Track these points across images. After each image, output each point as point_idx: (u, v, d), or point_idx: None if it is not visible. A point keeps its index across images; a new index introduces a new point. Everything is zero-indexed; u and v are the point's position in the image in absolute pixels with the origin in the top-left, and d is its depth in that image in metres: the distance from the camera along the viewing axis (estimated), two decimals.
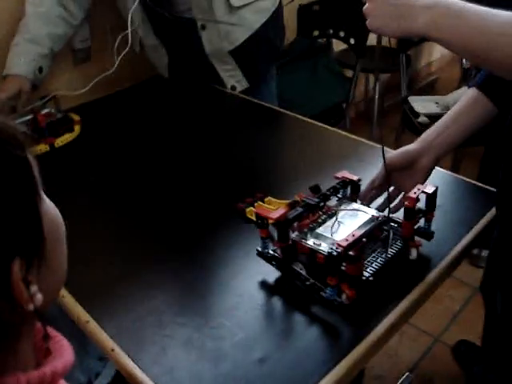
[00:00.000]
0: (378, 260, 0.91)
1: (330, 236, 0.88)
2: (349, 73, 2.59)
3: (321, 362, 0.77)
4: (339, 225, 0.90)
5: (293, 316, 0.87)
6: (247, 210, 1.09)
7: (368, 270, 0.88)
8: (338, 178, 1.01)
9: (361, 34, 2.24)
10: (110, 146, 1.44)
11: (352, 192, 1.02)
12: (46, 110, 1.48)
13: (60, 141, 1.43)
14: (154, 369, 0.78)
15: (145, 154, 1.39)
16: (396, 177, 1.00)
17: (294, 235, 0.90)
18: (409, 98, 2.34)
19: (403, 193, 1.02)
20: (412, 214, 0.91)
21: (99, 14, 1.74)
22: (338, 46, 2.65)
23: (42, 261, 0.46)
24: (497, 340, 1.24)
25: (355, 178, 1.01)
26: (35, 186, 0.46)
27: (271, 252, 0.93)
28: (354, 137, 1.41)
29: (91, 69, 1.77)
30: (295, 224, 0.91)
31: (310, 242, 0.88)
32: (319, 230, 0.90)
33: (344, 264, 0.83)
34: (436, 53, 3.81)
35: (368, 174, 1.04)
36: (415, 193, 0.91)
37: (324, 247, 0.85)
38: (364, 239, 0.84)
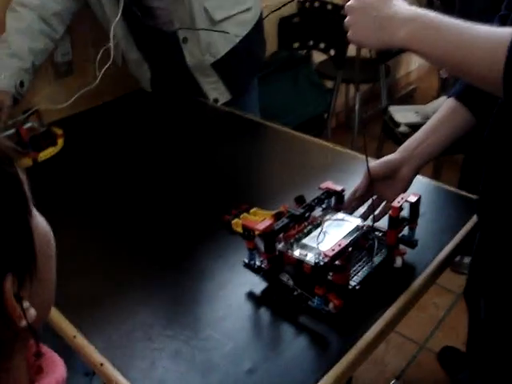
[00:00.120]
0: (364, 269, 0.92)
1: (315, 246, 0.88)
2: (329, 83, 2.62)
3: (310, 372, 0.78)
4: (325, 235, 0.91)
5: (281, 326, 0.87)
6: (233, 221, 1.10)
7: (354, 278, 0.89)
8: (322, 188, 1.03)
9: (341, 45, 2.27)
10: (93, 160, 1.44)
11: (336, 202, 1.03)
12: (28, 124, 1.47)
13: (43, 155, 1.43)
14: (144, 382, 0.78)
15: (129, 168, 1.39)
16: (378, 186, 1.02)
17: (280, 246, 0.91)
18: (389, 108, 2.37)
19: (385, 201, 1.04)
20: (396, 222, 0.92)
21: (80, 28, 1.74)
22: (319, 57, 2.68)
23: (33, 276, 0.46)
24: (481, 345, 1.26)
25: (339, 188, 1.02)
26: (26, 202, 0.46)
27: (258, 263, 0.94)
28: (336, 147, 1.42)
29: (73, 82, 1.77)
30: (281, 235, 0.92)
31: (297, 252, 0.89)
32: (305, 241, 0.91)
33: (330, 273, 0.84)
34: (414, 63, 3.87)
35: (351, 183, 1.06)
36: (399, 202, 0.92)
37: (310, 257, 0.86)
38: (350, 249, 0.85)
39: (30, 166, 1.39)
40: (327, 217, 0.97)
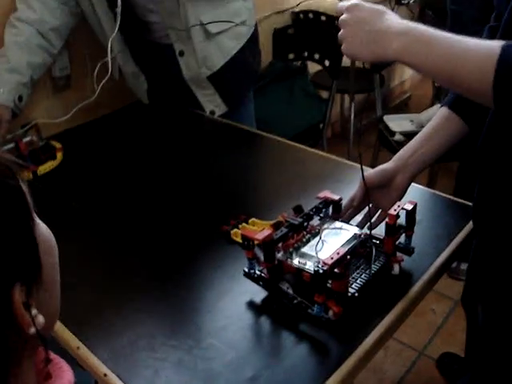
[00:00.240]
0: (362, 276, 0.93)
1: (314, 255, 0.90)
2: (324, 94, 2.64)
3: (310, 379, 0.79)
4: (323, 243, 0.93)
5: (281, 334, 0.88)
6: (232, 231, 1.11)
7: (353, 286, 0.91)
8: (319, 198, 1.04)
9: (335, 55, 2.29)
10: (92, 173, 1.45)
11: (334, 211, 1.04)
12: (27, 138, 1.49)
13: (43, 168, 1.44)
14: None
15: (127, 180, 1.41)
16: (373, 194, 1.03)
17: (279, 255, 0.92)
18: (384, 117, 2.39)
19: (380, 210, 1.06)
20: (393, 230, 0.94)
21: (78, 42, 1.76)
22: (314, 67, 2.71)
23: (39, 284, 0.48)
24: (479, 351, 1.27)
25: (336, 197, 1.03)
26: (29, 212, 0.48)
27: (258, 272, 0.95)
28: (332, 157, 1.44)
29: (71, 96, 1.79)
30: (280, 244, 0.93)
31: (296, 261, 0.90)
32: (304, 249, 0.93)
33: (330, 281, 0.85)
34: (408, 72, 3.90)
35: (347, 192, 1.07)
36: (395, 210, 0.94)
37: (309, 266, 0.88)
38: (348, 256, 0.86)
39: (29, 179, 1.40)
40: (325, 226, 0.98)
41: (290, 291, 0.90)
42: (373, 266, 0.95)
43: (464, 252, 1.11)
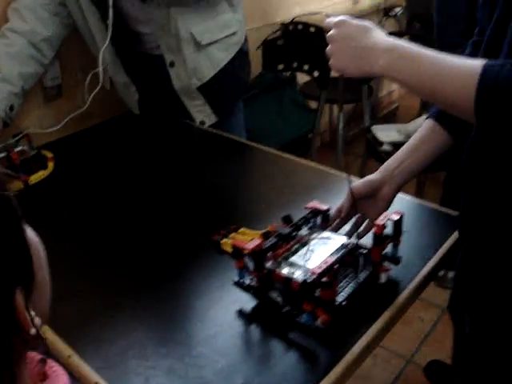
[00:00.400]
0: (350, 285, 0.95)
1: (303, 264, 0.92)
2: (313, 104, 2.67)
3: None
4: (311, 253, 0.94)
5: (271, 342, 0.90)
6: (222, 241, 1.12)
7: (341, 294, 0.92)
8: (308, 208, 1.06)
9: (324, 66, 2.32)
10: (84, 183, 1.46)
11: (322, 221, 1.06)
12: (19, 148, 1.49)
13: (34, 178, 1.45)
14: None
15: (118, 189, 1.42)
16: (361, 205, 1.05)
17: (269, 264, 0.94)
18: (372, 127, 2.42)
19: (367, 219, 1.08)
20: (380, 240, 0.96)
21: (69, 52, 1.77)
22: (303, 78, 2.73)
23: (33, 286, 0.49)
24: (466, 359, 1.29)
25: (325, 207, 1.05)
26: (20, 218, 0.49)
27: (248, 281, 0.96)
28: (321, 167, 1.46)
29: (62, 105, 1.80)
30: (270, 254, 0.95)
31: (285, 270, 0.92)
32: (293, 259, 0.94)
33: (318, 290, 0.87)
34: None
35: (335, 202, 1.09)
36: (382, 220, 0.96)
37: (298, 275, 0.89)
38: (336, 266, 0.88)
39: (21, 189, 1.41)
40: (314, 235, 1.00)
41: (280, 300, 0.92)
42: (360, 275, 0.97)
43: (451, 261, 1.13)
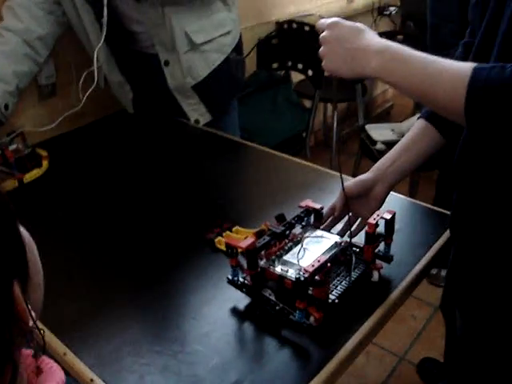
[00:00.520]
0: (343, 283, 0.96)
1: (296, 262, 0.93)
2: (307, 103, 2.68)
3: (293, 382, 0.82)
4: (305, 251, 0.95)
5: (264, 339, 0.91)
6: (216, 239, 1.13)
7: (333, 292, 0.93)
8: (301, 206, 1.07)
9: (318, 65, 2.33)
10: (78, 181, 1.47)
11: (315, 220, 1.07)
12: (13, 146, 1.49)
13: (29, 176, 1.45)
14: None
15: (113, 188, 1.43)
16: (353, 204, 1.06)
17: (262, 263, 0.95)
18: (366, 126, 2.43)
19: (360, 218, 1.09)
20: (372, 238, 0.97)
21: (64, 50, 1.77)
22: (297, 76, 2.74)
23: (28, 280, 0.50)
24: (458, 356, 1.30)
25: (318, 206, 1.06)
26: (14, 213, 0.50)
27: (241, 280, 0.97)
28: (314, 166, 1.47)
29: (56, 104, 1.80)
30: (263, 252, 0.96)
31: (278, 268, 0.93)
32: (286, 257, 0.95)
33: (311, 288, 0.88)
34: None
35: (329, 201, 1.10)
36: (374, 219, 0.97)
37: (291, 273, 0.90)
38: (329, 264, 0.89)
39: (16, 187, 1.41)
40: (307, 234, 1.01)
41: (273, 298, 0.93)
42: (353, 273, 0.98)
43: (443, 259, 1.14)
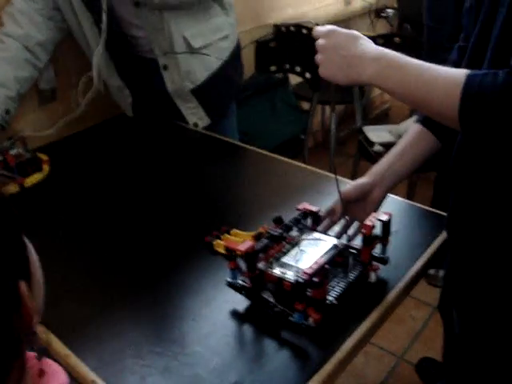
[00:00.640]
0: (340, 284, 0.97)
1: (294, 264, 0.94)
2: (305, 105, 2.69)
3: (292, 382, 0.83)
4: (302, 253, 0.97)
5: (264, 341, 0.92)
6: (214, 242, 1.15)
7: (331, 294, 0.95)
8: (299, 209, 1.08)
9: (316, 68, 2.34)
10: (78, 185, 1.48)
11: (313, 222, 1.09)
12: (14, 151, 1.51)
13: (30, 181, 1.46)
14: None
15: (113, 192, 1.44)
16: (352, 207, 1.08)
17: (261, 265, 0.96)
18: (363, 128, 2.44)
19: (357, 221, 1.10)
20: (369, 240, 0.98)
21: (63, 55, 1.79)
22: (295, 79, 2.76)
23: (31, 282, 0.52)
24: (456, 356, 1.31)
25: (315, 209, 1.08)
26: (18, 216, 0.52)
27: (240, 282, 0.98)
28: (312, 169, 1.48)
29: (56, 108, 1.82)
30: (261, 254, 0.97)
31: (277, 270, 0.94)
32: (284, 260, 0.97)
33: (309, 290, 0.89)
34: None
35: (326, 203, 1.11)
36: (371, 221, 0.98)
37: (290, 275, 0.92)
38: (326, 266, 0.90)
39: (17, 191, 1.42)
40: (304, 236, 1.03)
41: (272, 300, 0.94)
42: (350, 274, 0.99)
43: (442, 259, 1.15)
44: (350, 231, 1.09)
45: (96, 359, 0.90)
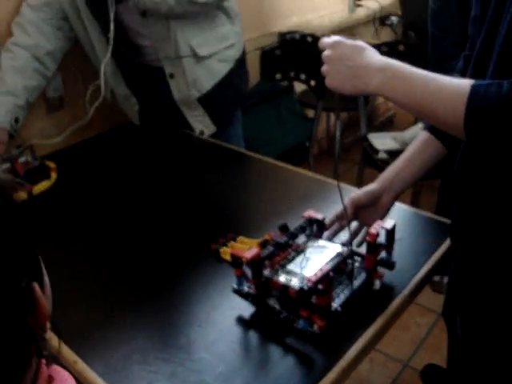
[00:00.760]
0: (345, 291, 0.98)
1: (299, 272, 0.95)
2: (310, 112, 2.70)
3: None
4: (307, 261, 0.98)
5: (269, 347, 0.93)
6: (221, 250, 1.16)
7: (336, 301, 0.95)
8: (304, 217, 1.09)
9: (321, 76, 2.35)
10: (86, 192, 1.50)
11: (318, 230, 1.10)
12: (23, 159, 1.53)
13: (38, 188, 1.48)
14: None
15: (120, 199, 1.45)
16: (361, 213, 1.10)
17: (266, 272, 0.97)
18: (368, 135, 2.45)
19: (365, 228, 1.12)
20: (374, 247, 0.99)
21: (71, 64, 1.81)
22: (300, 86, 2.77)
23: (43, 287, 0.54)
24: (460, 362, 1.32)
25: (320, 216, 1.09)
26: (28, 220, 0.54)
27: (246, 289, 1.00)
28: (317, 176, 1.50)
29: (64, 116, 1.84)
30: (267, 262, 0.98)
31: (282, 278, 0.95)
32: (290, 267, 0.98)
33: (314, 297, 0.90)
34: None
35: (332, 211, 1.12)
36: (375, 228, 0.99)
37: (295, 282, 0.93)
38: (331, 273, 0.92)
39: (25, 199, 1.43)
40: (309, 244, 1.04)
41: (277, 306, 0.95)
42: (355, 281, 1.00)
43: (446, 266, 1.16)
44: (359, 237, 1.10)
45: (103, 365, 0.91)
